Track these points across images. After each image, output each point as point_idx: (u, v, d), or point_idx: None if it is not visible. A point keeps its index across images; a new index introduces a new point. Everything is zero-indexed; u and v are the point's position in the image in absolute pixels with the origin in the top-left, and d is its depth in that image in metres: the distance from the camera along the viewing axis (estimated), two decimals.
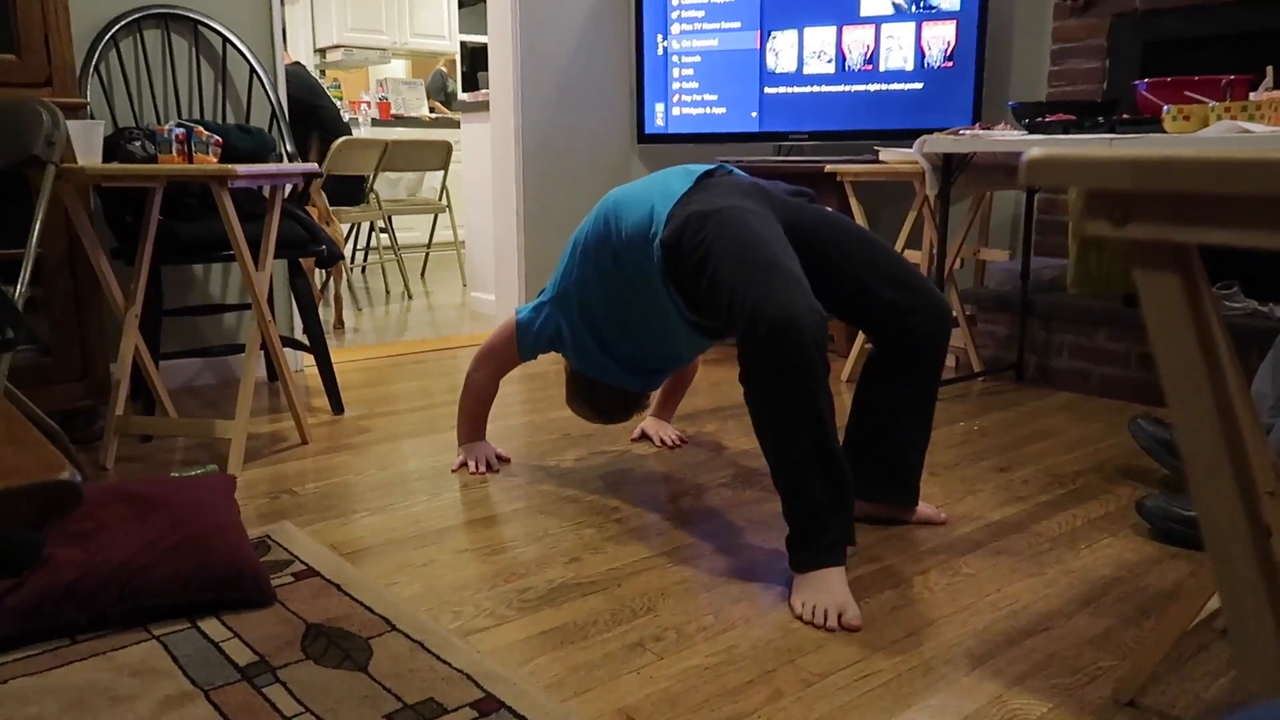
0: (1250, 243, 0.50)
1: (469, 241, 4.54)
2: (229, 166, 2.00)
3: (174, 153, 2.09)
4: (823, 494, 1.47)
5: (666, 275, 1.69)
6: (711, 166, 1.85)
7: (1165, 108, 2.00)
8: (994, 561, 1.65)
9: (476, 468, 2.11)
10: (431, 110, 7.00)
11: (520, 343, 1.99)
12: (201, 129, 2.13)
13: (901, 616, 1.45)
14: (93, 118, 2.48)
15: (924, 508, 1.81)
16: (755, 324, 1.42)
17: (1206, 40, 2.84)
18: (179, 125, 2.12)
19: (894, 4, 3.24)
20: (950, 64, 3.21)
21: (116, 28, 2.57)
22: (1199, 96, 2.08)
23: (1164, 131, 2.01)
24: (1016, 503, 1.94)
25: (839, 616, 1.42)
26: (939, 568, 1.63)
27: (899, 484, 1.76)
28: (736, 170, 1.89)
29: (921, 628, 1.42)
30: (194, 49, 2.75)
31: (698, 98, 3.63)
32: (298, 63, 4.94)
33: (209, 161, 2.12)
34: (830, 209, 1.79)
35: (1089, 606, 1.49)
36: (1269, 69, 2.05)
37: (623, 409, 2.05)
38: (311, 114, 4.53)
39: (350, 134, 4.58)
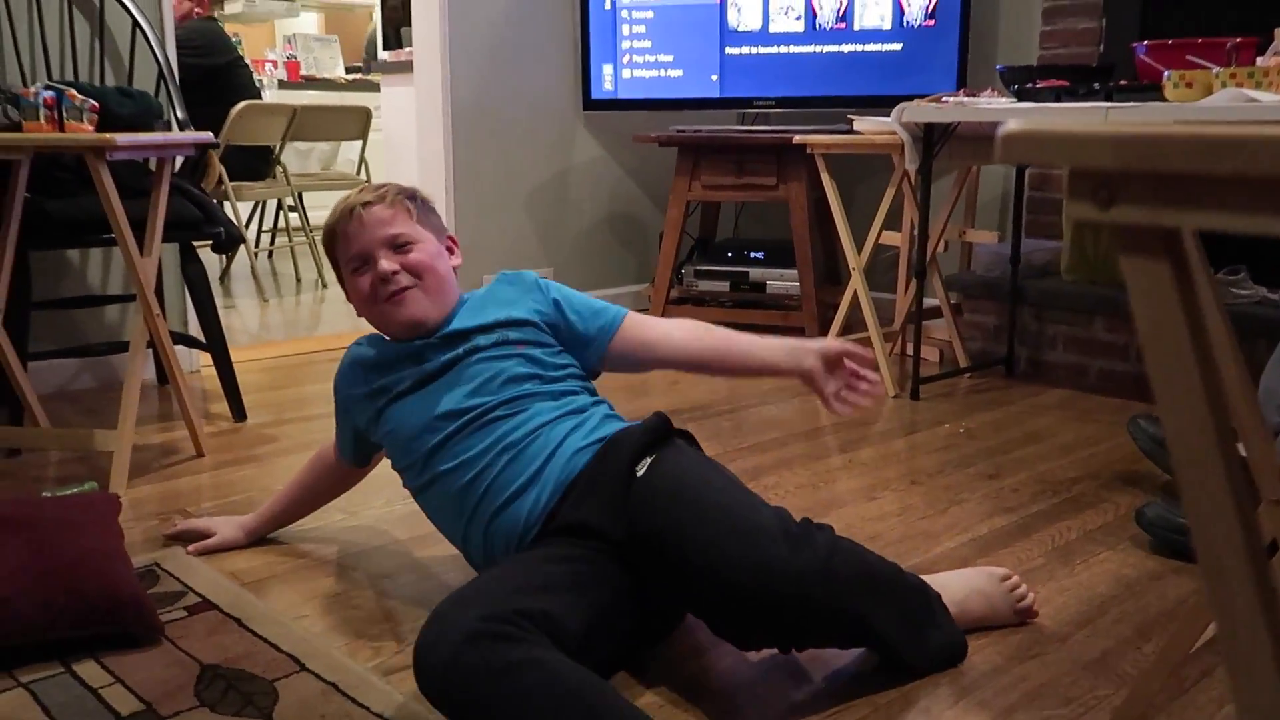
0: (1249, 229, 0.51)
1: None
2: (107, 135, 1.96)
3: (41, 119, 2.04)
4: None
5: None
6: None
7: (1166, 73, 2.05)
8: None
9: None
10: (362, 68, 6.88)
11: None
12: (74, 92, 2.09)
13: None
14: None
15: None
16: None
17: None
18: (48, 88, 2.07)
19: None
20: (932, 22, 3.25)
21: None
22: (1202, 61, 2.12)
23: (1164, 99, 2.05)
24: (1006, 513, 1.97)
25: None
26: None
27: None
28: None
29: None
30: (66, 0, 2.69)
31: (651, 59, 3.63)
32: (212, 16, 4.82)
33: (83, 129, 2.08)
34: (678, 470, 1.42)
35: (1085, 628, 1.52)
36: (1277, 31, 2.11)
37: None
38: (229, 76, 4.45)
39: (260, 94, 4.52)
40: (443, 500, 1.49)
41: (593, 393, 1.58)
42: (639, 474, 1.38)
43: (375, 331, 1.63)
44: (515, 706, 1.10)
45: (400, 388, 1.52)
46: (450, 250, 1.64)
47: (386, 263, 1.51)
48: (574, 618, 1.22)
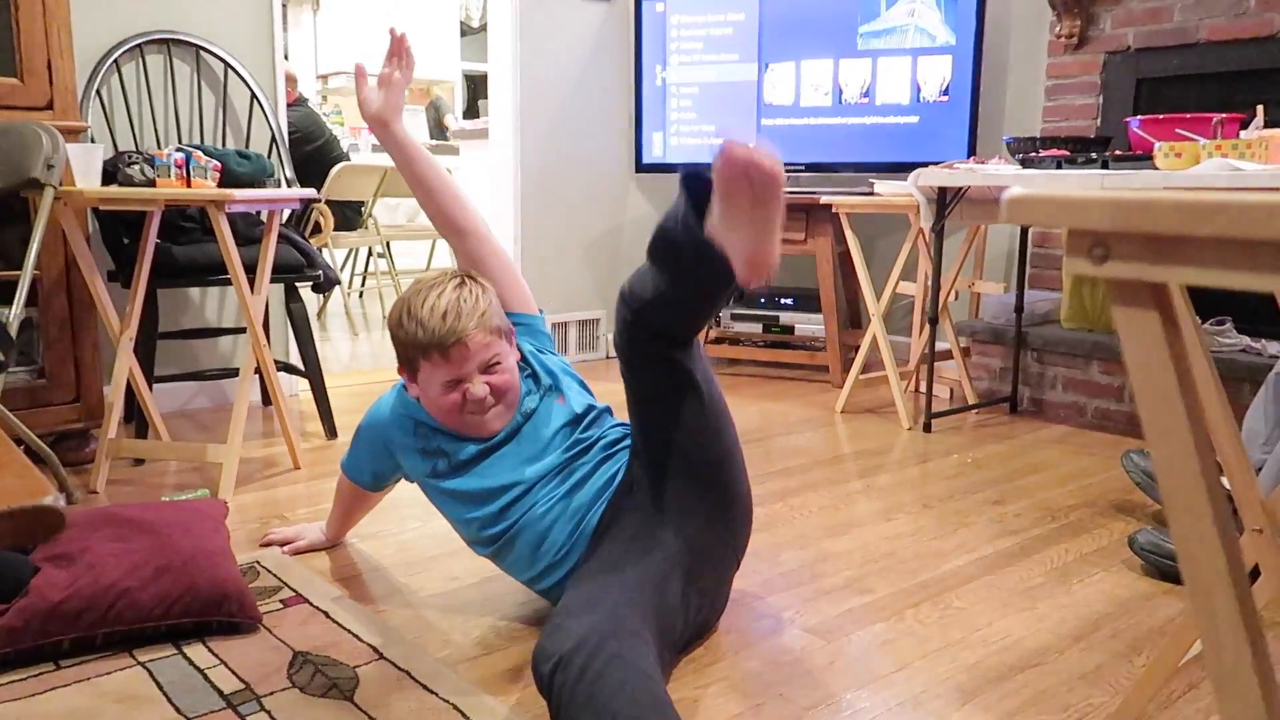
0: (1231, 284, 0.51)
1: None
2: (226, 191, 2.01)
3: (172, 177, 2.10)
4: None
5: None
6: None
7: (1157, 144, 2.02)
8: (986, 595, 1.65)
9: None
10: (444, 132, 7.02)
11: None
12: (200, 154, 2.15)
13: (892, 650, 1.44)
14: (93, 141, 2.49)
15: None
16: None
17: (1198, 78, 2.87)
18: (178, 150, 2.13)
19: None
20: (946, 98, 3.24)
21: (119, 52, 2.59)
22: (1190, 134, 2.10)
23: (1156, 168, 2.03)
24: (1009, 536, 1.93)
25: None
26: (930, 601, 1.62)
27: None
28: None
29: (912, 661, 1.41)
30: (195, 74, 2.77)
31: (695, 128, 3.66)
32: (303, 99, 4.89)
33: (206, 186, 2.13)
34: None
35: (1080, 642, 1.48)
36: (1259, 108, 2.08)
37: None
38: (325, 154, 4.54)
39: (349, 160, 4.61)
40: (525, 532, 1.45)
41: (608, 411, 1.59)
42: None
43: None
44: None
45: (464, 456, 1.48)
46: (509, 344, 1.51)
47: (479, 388, 1.42)
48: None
